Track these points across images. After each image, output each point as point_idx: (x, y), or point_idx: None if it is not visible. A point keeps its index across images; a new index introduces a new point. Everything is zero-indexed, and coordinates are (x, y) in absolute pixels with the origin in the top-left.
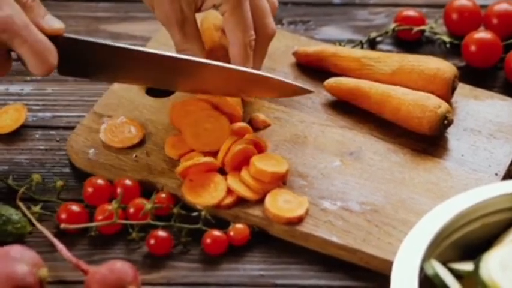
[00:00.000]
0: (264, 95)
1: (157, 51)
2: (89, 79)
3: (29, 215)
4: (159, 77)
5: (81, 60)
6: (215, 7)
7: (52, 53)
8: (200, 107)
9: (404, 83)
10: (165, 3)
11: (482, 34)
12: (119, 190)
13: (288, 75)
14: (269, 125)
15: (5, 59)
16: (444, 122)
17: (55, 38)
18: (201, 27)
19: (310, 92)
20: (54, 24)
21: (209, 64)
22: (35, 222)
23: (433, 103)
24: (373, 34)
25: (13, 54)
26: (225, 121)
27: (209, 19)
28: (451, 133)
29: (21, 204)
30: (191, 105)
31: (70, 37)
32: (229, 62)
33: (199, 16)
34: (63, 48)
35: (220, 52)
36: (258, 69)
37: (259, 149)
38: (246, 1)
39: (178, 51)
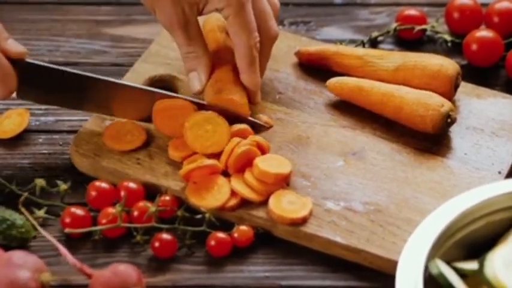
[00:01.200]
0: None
1: (119, 80)
2: (47, 104)
3: (31, 220)
4: (119, 106)
5: (41, 86)
6: (217, 11)
7: (12, 78)
8: (185, 110)
9: (408, 80)
10: (166, 6)
11: (483, 33)
12: (122, 193)
13: (290, 76)
14: (272, 126)
15: None
16: (447, 121)
17: (16, 62)
18: (204, 30)
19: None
20: (18, 48)
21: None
22: (38, 227)
23: (436, 102)
24: (375, 34)
25: None
26: (224, 122)
27: (212, 21)
28: (454, 132)
29: (23, 210)
30: (174, 109)
31: (30, 62)
32: (234, 63)
33: (201, 18)
34: (23, 73)
35: (225, 53)
36: (263, 71)
37: (262, 150)
38: (248, 3)
39: (182, 55)
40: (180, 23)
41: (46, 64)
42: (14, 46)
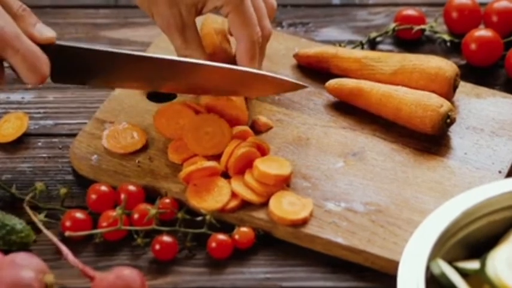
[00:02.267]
0: (261, 92)
1: (151, 54)
2: (83, 85)
3: (36, 220)
4: (156, 80)
5: (75, 67)
6: (216, 9)
7: (44, 62)
8: (185, 112)
9: (406, 83)
10: (164, 10)
11: (482, 32)
12: (122, 196)
13: (289, 77)
14: (271, 127)
15: None
16: (447, 121)
17: (47, 47)
18: (201, 32)
19: (304, 87)
20: (46, 32)
21: (204, 65)
22: (41, 227)
23: (435, 102)
24: (373, 34)
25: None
26: (224, 124)
27: (209, 23)
28: (454, 132)
29: (28, 210)
30: (175, 112)
31: (62, 44)
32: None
33: (198, 21)
34: (56, 56)
35: (221, 56)
36: (260, 68)
37: (262, 151)
38: None
39: (179, 57)
40: (177, 26)
41: (76, 44)
42: (43, 31)
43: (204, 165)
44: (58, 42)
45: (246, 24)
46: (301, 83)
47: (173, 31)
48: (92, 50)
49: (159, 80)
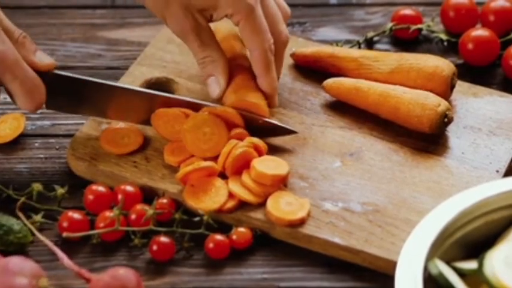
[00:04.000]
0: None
1: (145, 90)
2: (76, 114)
3: (29, 225)
4: (146, 115)
5: (69, 96)
6: (227, 17)
7: (41, 90)
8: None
9: (403, 82)
10: (177, 14)
11: (479, 31)
12: (119, 197)
13: (286, 77)
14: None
15: None
16: (444, 120)
17: (43, 74)
18: (217, 36)
19: (294, 132)
20: (46, 60)
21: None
22: (35, 231)
23: (433, 101)
24: (371, 34)
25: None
26: (222, 125)
27: (224, 29)
28: (451, 131)
29: (21, 214)
30: (172, 116)
31: (60, 74)
32: (251, 70)
33: (212, 27)
34: (52, 84)
35: (243, 61)
36: (279, 75)
37: (259, 152)
38: (257, 7)
39: (198, 61)
40: (192, 29)
41: (74, 75)
42: (42, 58)
43: (201, 165)
44: (55, 71)
45: (256, 33)
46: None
47: (189, 35)
48: (87, 81)
49: (149, 116)
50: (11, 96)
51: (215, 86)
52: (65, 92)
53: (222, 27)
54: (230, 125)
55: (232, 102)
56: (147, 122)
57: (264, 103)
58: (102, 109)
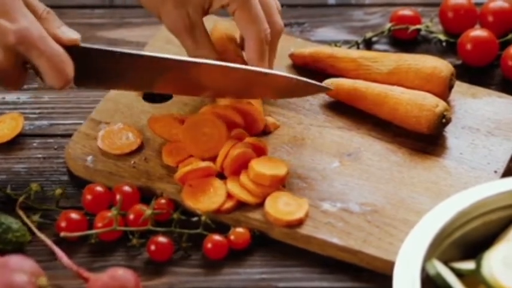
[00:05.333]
0: (269, 95)
1: (172, 56)
2: (107, 89)
3: (29, 223)
4: (179, 83)
5: (98, 70)
6: (223, 7)
7: (69, 65)
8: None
9: (401, 83)
10: (172, 11)
11: (478, 32)
12: (118, 197)
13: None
14: (278, 126)
15: (21, 71)
16: (442, 121)
17: (71, 49)
18: (212, 37)
19: (327, 90)
20: (71, 34)
21: (207, 63)
22: (35, 230)
23: (431, 102)
24: (369, 34)
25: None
26: (222, 125)
27: (220, 29)
28: (450, 131)
29: (21, 213)
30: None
31: (86, 47)
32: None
33: (208, 27)
34: (80, 59)
35: (239, 61)
36: (271, 66)
37: (258, 152)
38: None
39: (190, 58)
40: (186, 26)
41: (102, 47)
42: (68, 33)
43: (199, 165)
44: (82, 44)
45: (252, 21)
46: (323, 85)
47: (182, 32)
48: (115, 52)
49: (184, 84)
50: (38, 73)
51: None
52: (93, 66)
53: (218, 28)
54: (230, 125)
55: (225, 103)
56: (179, 91)
57: (258, 103)
58: (132, 80)
